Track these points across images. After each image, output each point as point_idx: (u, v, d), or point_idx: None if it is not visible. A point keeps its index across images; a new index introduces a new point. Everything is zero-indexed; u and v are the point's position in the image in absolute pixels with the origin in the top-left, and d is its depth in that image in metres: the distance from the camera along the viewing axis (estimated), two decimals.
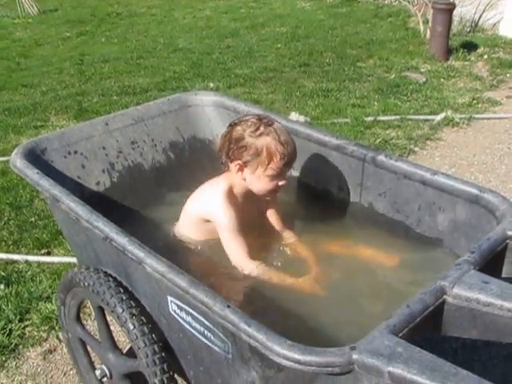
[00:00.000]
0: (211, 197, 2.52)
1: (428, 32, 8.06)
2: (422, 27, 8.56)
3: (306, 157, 2.89)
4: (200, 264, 2.54)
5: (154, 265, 1.95)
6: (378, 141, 5.39)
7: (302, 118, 5.63)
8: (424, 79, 7.01)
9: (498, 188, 4.60)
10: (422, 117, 6.00)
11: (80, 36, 10.14)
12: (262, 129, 2.42)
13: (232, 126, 2.50)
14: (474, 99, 6.48)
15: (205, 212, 2.54)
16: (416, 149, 5.39)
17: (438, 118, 5.93)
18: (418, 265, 2.40)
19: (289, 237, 2.67)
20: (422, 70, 7.36)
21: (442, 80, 7.08)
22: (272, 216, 2.72)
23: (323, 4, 11.49)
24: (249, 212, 2.58)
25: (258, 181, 2.46)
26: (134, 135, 3.09)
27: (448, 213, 2.39)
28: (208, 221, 2.53)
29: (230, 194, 2.52)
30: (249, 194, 2.56)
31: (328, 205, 2.84)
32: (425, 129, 5.76)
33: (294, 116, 5.63)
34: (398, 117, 5.94)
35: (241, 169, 2.47)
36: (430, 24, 7.93)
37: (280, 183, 2.48)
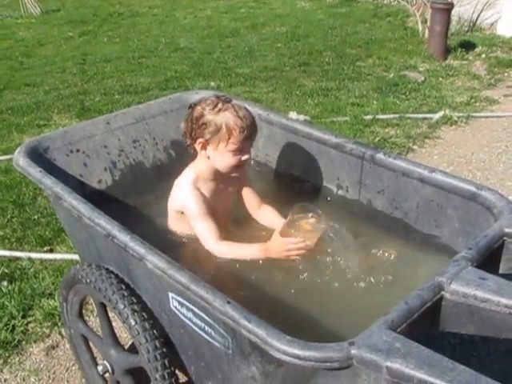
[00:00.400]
0: (179, 188, 2.58)
1: (426, 31, 8.06)
2: (420, 27, 8.55)
3: (306, 155, 2.89)
4: (190, 257, 2.55)
5: (155, 261, 1.95)
6: (377, 139, 5.39)
7: (301, 117, 5.63)
8: (422, 78, 7.01)
9: (496, 186, 4.59)
10: (420, 115, 6.00)
11: (82, 36, 10.14)
12: (220, 105, 2.47)
13: (192, 106, 2.55)
14: (472, 98, 6.48)
15: (177, 205, 2.58)
16: (415, 147, 5.39)
17: (437, 116, 5.92)
18: (416, 261, 2.40)
19: (266, 211, 2.73)
20: (421, 69, 7.35)
21: (441, 79, 7.07)
22: (247, 194, 2.76)
23: (323, 4, 11.47)
24: (222, 194, 2.64)
25: (221, 157, 2.49)
26: (135, 134, 3.10)
27: (446, 210, 2.39)
28: (182, 212, 2.56)
29: (197, 180, 2.56)
30: (218, 176, 2.59)
31: (327, 202, 2.84)
32: (423, 127, 5.76)
33: (293, 115, 5.63)
34: (396, 115, 5.94)
35: (204, 147, 2.51)
36: (428, 23, 7.92)
37: (243, 158, 2.51)
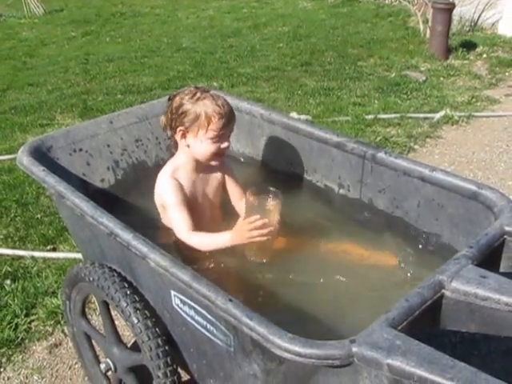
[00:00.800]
0: (159, 182, 2.58)
1: (428, 31, 8.06)
2: (421, 26, 8.55)
3: (307, 154, 2.90)
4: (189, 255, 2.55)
5: (158, 260, 1.96)
6: (379, 138, 5.39)
7: (302, 117, 5.63)
8: (424, 78, 7.01)
9: (497, 185, 4.60)
10: (421, 115, 6.00)
11: (85, 36, 10.15)
12: (198, 94, 2.51)
13: (171, 98, 2.58)
14: (473, 97, 6.48)
15: (159, 199, 2.59)
16: (416, 146, 5.39)
17: (438, 116, 5.93)
18: (417, 260, 2.40)
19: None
20: (422, 69, 7.35)
21: (442, 79, 7.07)
22: (231, 186, 2.76)
23: (324, 4, 11.48)
24: (204, 184, 2.66)
25: (200, 144, 2.51)
26: (138, 133, 3.10)
27: (447, 209, 2.39)
28: (164, 206, 2.58)
29: (176, 172, 2.58)
30: (198, 166, 2.62)
31: (328, 201, 2.84)
32: (424, 127, 5.76)
33: (294, 116, 5.63)
34: (398, 115, 5.94)
35: (183, 135, 2.53)
36: (429, 23, 7.92)
37: (222, 145, 2.53)
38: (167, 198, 2.52)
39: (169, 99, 2.60)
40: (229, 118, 2.51)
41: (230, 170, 2.79)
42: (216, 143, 2.51)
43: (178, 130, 2.53)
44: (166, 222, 2.62)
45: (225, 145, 2.53)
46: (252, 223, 2.31)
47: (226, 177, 2.76)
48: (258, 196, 2.39)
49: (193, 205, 2.57)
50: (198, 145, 2.52)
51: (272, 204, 2.37)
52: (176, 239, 2.48)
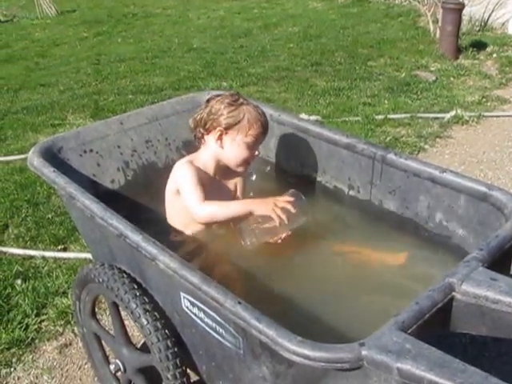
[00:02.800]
0: (176, 168, 2.60)
1: (438, 31, 8.03)
2: (431, 26, 8.51)
3: (317, 155, 2.88)
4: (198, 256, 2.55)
5: (167, 261, 1.94)
6: (389, 139, 5.36)
7: (312, 118, 5.61)
8: (434, 78, 6.98)
9: (508, 185, 4.57)
10: (431, 115, 5.97)
11: (97, 36, 10.16)
12: (241, 100, 2.56)
13: (208, 101, 2.60)
14: (483, 97, 6.45)
15: (173, 184, 2.60)
16: (426, 146, 5.36)
17: (448, 116, 5.89)
18: (427, 262, 2.38)
19: None
20: (432, 69, 7.32)
21: (452, 78, 7.04)
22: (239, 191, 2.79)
23: (335, 4, 11.46)
24: (219, 189, 2.66)
25: (236, 148, 2.54)
26: (148, 134, 3.09)
27: (457, 210, 2.37)
28: (178, 191, 2.57)
29: (199, 166, 2.59)
30: (218, 171, 2.65)
31: (338, 202, 2.82)
32: (435, 127, 5.73)
33: (304, 117, 5.60)
34: (408, 115, 5.92)
35: (220, 136, 2.55)
36: (439, 23, 7.89)
37: (256, 153, 2.59)
38: (184, 178, 2.52)
39: (207, 101, 2.62)
40: (266, 128, 2.58)
41: (244, 181, 2.80)
42: (250, 149, 2.55)
43: (217, 130, 2.54)
44: (177, 208, 2.61)
45: (256, 153, 2.59)
46: (280, 201, 2.41)
47: (238, 186, 2.77)
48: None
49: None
50: (233, 148, 2.55)
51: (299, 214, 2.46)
52: (183, 238, 2.50)
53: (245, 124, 2.50)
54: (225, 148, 2.56)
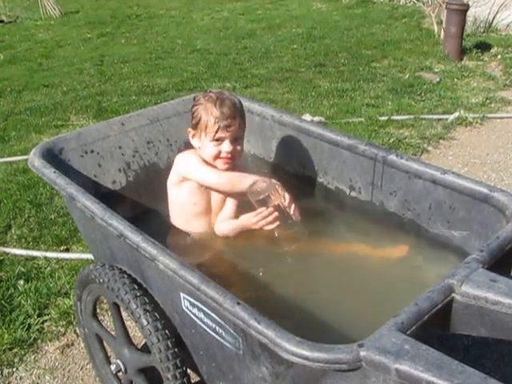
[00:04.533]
0: (180, 157, 2.65)
1: (442, 32, 8.03)
2: (436, 28, 8.51)
3: (318, 156, 2.88)
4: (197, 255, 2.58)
5: (167, 262, 1.95)
6: (392, 140, 5.36)
7: (315, 119, 5.61)
8: (438, 79, 6.97)
9: (511, 187, 4.56)
10: (435, 116, 5.97)
11: (100, 37, 10.18)
12: (206, 97, 2.55)
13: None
14: (487, 99, 6.44)
15: (177, 174, 2.64)
16: (429, 148, 5.36)
17: (452, 117, 5.89)
18: (428, 262, 2.39)
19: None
20: (436, 70, 7.32)
21: (456, 80, 7.03)
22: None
23: (339, 5, 11.47)
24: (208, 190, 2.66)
25: (204, 147, 2.57)
26: (149, 135, 3.10)
27: (458, 211, 2.37)
28: (182, 180, 2.62)
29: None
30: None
31: (339, 203, 2.83)
32: (438, 128, 5.73)
33: (307, 117, 5.61)
34: (411, 116, 5.91)
35: (193, 136, 2.61)
36: (443, 25, 7.89)
37: (224, 149, 2.55)
38: (190, 162, 2.59)
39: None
40: (227, 122, 2.51)
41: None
42: (216, 146, 2.54)
43: (188, 130, 2.60)
44: (180, 201, 2.65)
45: (226, 148, 2.54)
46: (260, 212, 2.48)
47: None
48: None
49: (194, 197, 2.63)
50: (203, 147, 2.57)
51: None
52: (183, 238, 2.54)
53: (202, 123, 2.51)
54: (200, 148, 2.59)
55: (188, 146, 2.99)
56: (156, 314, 2.23)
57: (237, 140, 2.58)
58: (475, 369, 1.46)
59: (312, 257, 2.50)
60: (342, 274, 2.38)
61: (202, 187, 2.61)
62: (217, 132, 2.51)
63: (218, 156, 2.56)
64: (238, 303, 1.72)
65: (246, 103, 3.00)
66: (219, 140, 2.52)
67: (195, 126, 2.56)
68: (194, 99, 2.62)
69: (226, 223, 2.61)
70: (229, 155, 2.56)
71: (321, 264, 2.45)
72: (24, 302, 3.41)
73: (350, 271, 2.40)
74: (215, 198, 2.66)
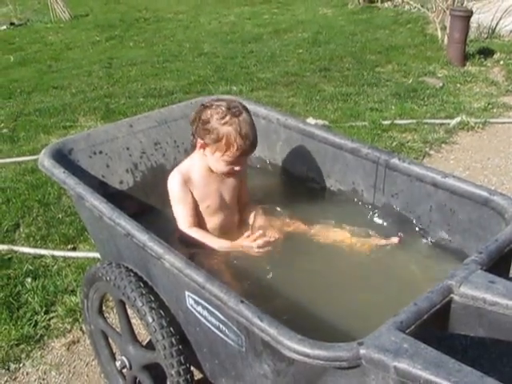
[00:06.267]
0: (169, 178, 2.65)
1: (446, 38, 8.03)
2: (439, 33, 8.52)
3: (322, 159, 2.90)
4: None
5: (172, 260, 1.97)
6: (395, 144, 5.37)
7: (319, 122, 5.63)
8: (441, 84, 6.98)
9: (511, 191, 4.57)
10: (437, 121, 5.97)
11: (109, 40, 10.22)
12: (227, 118, 2.49)
13: (204, 107, 2.58)
14: (489, 104, 6.43)
15: (169, 194, 2.66)
16: (431, 152, 5.37)
17: (454, 122, 5.89)
18: (428, 264, 2.40)
19: (251, 212, 2.78)
20: (439, 75, 7.32)
21: (459, 85, 7.03)
22: (240, 191, 2.81)
23: (344, 10, 11.48)
24: (218, 183, 2.69)
25: (215, 162, 2.56)
26: (157, 136, 3.12)
27: (458, 214, 2.38)
28: None
29: (190, 170, 2.65)
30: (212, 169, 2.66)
31: (342, 206, 2.84)
32: (440, 132, 5.73)
33: (310, 121, 5.62)
34: (414, 121, 5.92)
35: (203, 147, 2.58)
36: (447, 30, 7.88)
37: (235, 168, 2.58)
38: (172, 193, 2.62)
39: (202, 105, 2.60)
40: (246, 151, 2.53)
41: (245, 177, 2.83)
42: (229, 166, 2.55)
43: (199, 141, 2.57)
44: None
45: (238, 168, 2.58)
46: (253, 241, 2.52)
47: (242, 179, 2.79)
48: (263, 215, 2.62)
49: (204, 202, 2.65)
50: (213, 160, 2.57)
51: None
52: (189, 238, 2.58)
53: (222, 145, 2.48)
54: (207, 156, 2.58)
55: (194, 147, 3.03)
56: (161, 311, 2.25)
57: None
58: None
59: (314, 256, 2.52)
60: (342, 273, 2.41)
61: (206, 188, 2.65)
62: (237, 158, 2.52)
63: (227, 172, 2.60)
64: (242, 301, 1.73)
65: (251, 106, 3.01)
66: (233, 163, 2.54)
67: (210, 142, 2.51)
68: (205, 108, 2.55)
69: (203, 238, 2.60)
70: (237, 173, 2.62)
71: (323, 264, 2.47)
72: (31, 299, 3.43)
73: (350, 271, 2.42)
74: (221, 199, 2.69)
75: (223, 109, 2.51)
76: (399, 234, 2.58)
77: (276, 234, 2.59)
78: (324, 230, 2.67)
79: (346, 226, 2.65)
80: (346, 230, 2.64)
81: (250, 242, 2.53)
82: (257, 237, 2.53)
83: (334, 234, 2.64)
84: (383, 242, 2.57)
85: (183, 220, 2.60)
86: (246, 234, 2.58)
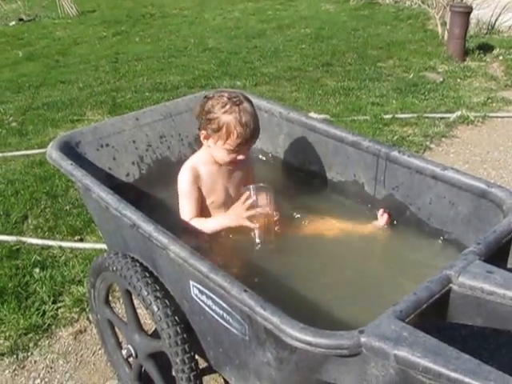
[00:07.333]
0: (179, 172, 2.66)
1: (446, 34, 8.01)
2: (440, 29, 8.50)
3: (324, 152, 2.90)
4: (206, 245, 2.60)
5: (177, 251, 1.97)
6: (396, 137, 5.37)
7: (320, 117, 5.62)
8: (441, 79, 6.97)
9: (510, 184, 4.57)
10: (438, 115, 5.97)
11: (116, 36, 10.22)
12: (227, 107, 2.50)
13: (206, 98, 2.59)
14: (488, 98, 6.43)
15: (178, 188, 2.66)
16: (432, 145, 5.36)
17: (454, 116, 5.89)
18: (427, 255, 2.40)
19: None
20: (440, 70, 7.31)
21: (459, 80, 7.03)
22: (249, 183, 2.77)
23: (346, 6, 11.46)
24: (226, 175, 2.70)
25: (218, 151, 2.57)
26: (162, 130, 3.12)
27: (457, 206, 2.38)
28: None
29: (197, 164, 2.65)
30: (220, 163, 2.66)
31: (343, 197, 2.84)
32: (441, 126, 5.73)
33: (313, 115, 5.61)
34: (415, 115, 5.92)
35: (206, 138, 2.59)
36: (447, 26, 7.87)
37: (238, 157, 2.58)
38: (180, 186, 2.63)
39: (205, 97, 2.61)
40: (247, 139, 2.53)
41: (252, 168, 2.85)
42: (232, 154, 2.56)
43: (202, 132, 2.58)
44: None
45: (241, 157, 2.58)
46: (245, 204, 2.53)
47: (248, 174, 2.79)
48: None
49: (210, 198, 2.66)
50: (216, 150, 2.58)
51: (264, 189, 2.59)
52: (194, 229, 2.58)
53: (223, 133, 2.48)
54: (211, 147, 2.59)
55: (198, 140, 3.03)
56: (166, 300, 2.25)
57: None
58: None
59: (316, 246, 2.53)
60: (341, 263, 2.41)
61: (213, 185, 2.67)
62: (238, 145, 2.52)
63: (231, 162, 2.60)
64: (245, 290, 1.74)
65: (255, 100, 3.00)
66: (235, 151, 2.54)
67: (211, 132, 2.53)
68: (208, 99, 2.57)
69: (205, 222, 2.62)
70: (240, 161, 2.62)
71: (324, 253, 2.48)
72: (39, 289, 3.44)
73: (350, 262, 2.43)
74: (226, 195, 2.71)
75: (225, 99, 2.53)
76: (383, 210, 2.61)
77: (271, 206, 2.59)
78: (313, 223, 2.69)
79: (333, 216, 2.68)
80: (332, 217, 2.66)
81: (241, 211, 2.54)
82: (248, 205, 2.54)
83: (322, 224, 2.66)
84: (374, 224, 2.62)
85: (187, 213, 2.61)
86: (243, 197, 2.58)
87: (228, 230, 2.58)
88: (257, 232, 2.53)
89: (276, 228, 2.57)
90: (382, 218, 2.61)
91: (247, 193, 2.56)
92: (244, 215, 2.52)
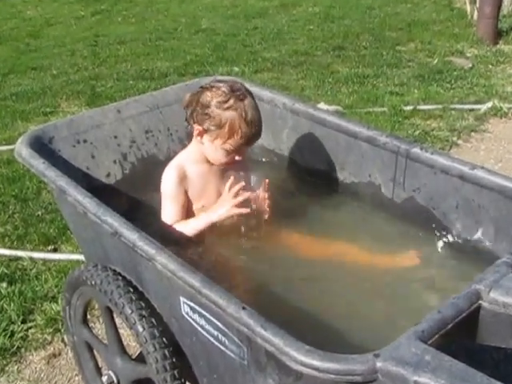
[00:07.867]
0: (165, 175, 2.67)
1: (475, 13, 8.02)
2: (468, 7, 8.51)
3: (334, 149, 2.90)
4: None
5: (165, 262, 1.97)
6: (418, 132, 5.37)
7: (331, 108, 5.63)
8: (470, 65, 6.98)
9: None
10: (466, 106, 5.97)
11: (95, 15, 10.23)
12: (231, 102, 2.50)
13: (203, 89, 2.58)
14: None
15: (161, 188, 2.68)
16: (459, 141, 5.37)
17: (485, 107, 5.89)
18: (454, 266, 2.40)
19: None
20: (468, 55, 7.32)
21: (490, 66, 7.04)
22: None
23: None
24: (217, 176, 2.71)
25: (214, 151, 2.58)
26: (148, 123, 3.12)
27: (488, 211, 2.38)
28: None
29: (185, 164, 2.67)
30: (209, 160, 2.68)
31: (356, 201, 2.84)
32: (469, 119, 5.73)
33: (323, 106, 5.62)
34: (440, 106, 5.93)
35: (200, 134, 2.58)
36: (477, 4, 7.88)
37: (236, 158, 2.60)
38: (164, 187, 2.64)
39: (201, 87, 2.61)
40: (251, 139, 2.55)
41: (247, 167, 2.84)
42: (230, 155, 2.57)
43: (197, 127, 2.57)
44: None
45: (238, 158, 2.60)
46: (230, 192, 2.54)
47: (245, 174, 2.79)
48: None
49: (199, 202, 2.67)
50: (211, 149, 2.58)
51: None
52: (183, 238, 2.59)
53: (225, 132, 2.49)
54: (204, 145, 2.59)
55: (190, 135, 3.04)
56: (153, 319, 2.25)
57: None
58: None
59: (323, 261, 2.53)
60: (354, 278, 2.41)
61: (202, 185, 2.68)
62: (240, 147, 2.54)
63: (227, 163, 2.62)
64: (244, 308, 1.74)
65: (255, 89, 3.01)
66: (233, 152, 2.56)
67: (210, 128, 2.53)
68: (205, 90, 2.57)
69: (189, 222, 2.63)
70: (236, 162, 2.64)
71: (331, 268, 2.48)
72: (7, 306, 3.44)
73: (363, 275, 2.43)
74: (219, 195, 2.70)
75: (225, 91, 2.52)
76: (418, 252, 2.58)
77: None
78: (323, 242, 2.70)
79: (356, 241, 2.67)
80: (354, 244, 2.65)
81: (229, 199, 2.55)
82: (236, 192, 2.54)
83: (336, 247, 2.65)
84: (399, 260, 2.55)
85: (169, 217, 2.62)
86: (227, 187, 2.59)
87: (214, 232, 2.59)
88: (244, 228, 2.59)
89: (266, 216, 2.61)
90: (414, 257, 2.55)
91: (231, 179, 2.57)
92: (232, 203, 2.53)
